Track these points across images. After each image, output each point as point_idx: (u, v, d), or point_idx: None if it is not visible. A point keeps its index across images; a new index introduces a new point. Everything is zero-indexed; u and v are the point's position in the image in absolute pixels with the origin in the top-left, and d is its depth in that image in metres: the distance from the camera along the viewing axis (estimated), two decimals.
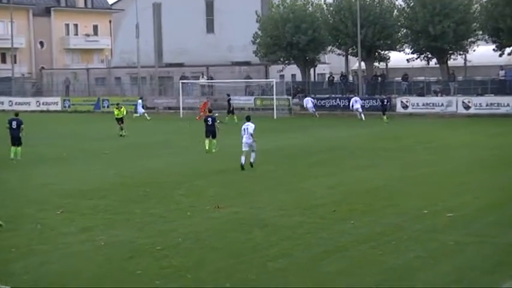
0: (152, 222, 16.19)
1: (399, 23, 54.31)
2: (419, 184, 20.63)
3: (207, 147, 29.23)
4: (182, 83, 56.55)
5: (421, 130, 38.75)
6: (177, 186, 21.07)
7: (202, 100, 53.00)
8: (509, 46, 49.97)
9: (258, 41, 57.29)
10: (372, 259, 12.82)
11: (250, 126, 24.10)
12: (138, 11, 60.96)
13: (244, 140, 24.06)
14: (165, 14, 67.55)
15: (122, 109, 38.57)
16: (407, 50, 54.32)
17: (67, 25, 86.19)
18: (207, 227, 15.57)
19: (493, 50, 51.68)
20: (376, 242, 13.95)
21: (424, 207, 17.05)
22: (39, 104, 63.98)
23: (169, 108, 58.04)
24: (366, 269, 12.25)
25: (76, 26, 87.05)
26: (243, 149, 24.03)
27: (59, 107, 63.07)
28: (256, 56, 58.50)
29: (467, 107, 47.99)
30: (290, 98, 53.95)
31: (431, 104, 49.62)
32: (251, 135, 23.88)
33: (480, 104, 47.82)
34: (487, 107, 47.36)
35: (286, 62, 57.67)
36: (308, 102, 51.18)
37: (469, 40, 52.28)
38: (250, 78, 60.31)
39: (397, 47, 55.28)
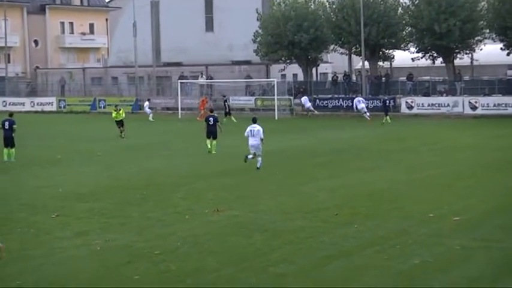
0: (150, 226, 16.18)
1: (404, 21, 54.34)
2: (424, 187, 20.62)
3: (209, 147, 29.30)
4: (181, 82, 56.59)
5: (427, 131, 38.75)
6: (176, 188, 21.06)
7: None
8: None
9: (258, 39, 57.32)
10: (376, 264, 12.80)
11: (258, 130, 24.42)
12: (136, 9, 60.99)
13: (250, 142, 24.48)
14: (163, 12, 67.61)
15: (120, 111, 38.14)
16: (412, 49, 54.33)
17: (62, 23, 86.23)
18: (206, 231, 15.56)
19: (501, 48, 51.71)
20: (381, 246, 13.94)
21: (430, 210, 17.04)
22: (34, 104, 64.02)
23: (168, 108, 58.09)
24: (370, 274, 12.24)
25: (72, 24, 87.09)
26: (251, 151, 24.55)
27: (54, 108, 63.11)
28: (256, 55, 58.52)
29: (473, 108, 47.99)
30: (292, 98, 53.97)
31: (436, 105, 49.63)
32: (261, 139, 24.31)
33: (487, 104, 47.82)
34: (495, 108, 47.36)
35: (288, 61, 57.70)
36: (306, 101, 51.35)
37: (476, 39, 52.28)
38: (251, 78, 60.34)
39: (402, 45, 55.32)
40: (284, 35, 54.97)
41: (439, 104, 49.58)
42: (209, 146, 29.38)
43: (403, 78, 55.93)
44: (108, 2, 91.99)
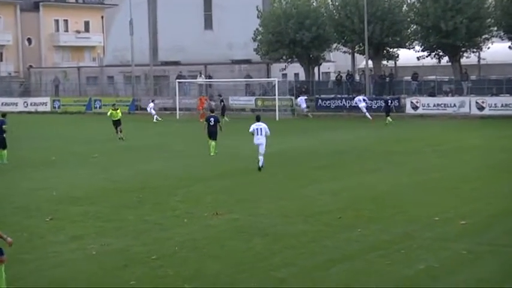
0: (147, 230, 16.19)
1: (409, 19, 54.37)
2: (429, 190, 20.64)
3: (211, 151, 29.43)
4: (179, 82, 56.62)
5: (432, 132, 38.77)
6: (173, 191, 21.08)
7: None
8: None
9: (259, 38, 57.35)
10: (380, 269, 12.82)
11: (264, 127, 25.07)
12: (132, 6, 61.01)
13: (257, 140, 24.99)
14: (161, 9, 67.65)
15: (118, 110, 38.07)
16: (418, 48, 54.35)
17: (56, 21, 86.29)
18: (205, 235, 15.58)
19: (509, 47, 51.75)
20: (385, 250, 13.95)
21: (435, 214, 17.06)
22: (27, 104, 64.08)
23: (165, 109, 58.10)
24: (374, 280, 12.25)
25: (66, 22, 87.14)
26: (260, 151, 24.92)
27: (48, 108, 63.16)
28: (257, 53, 58.55)
29: (480, 108, 48.01)
30: (293, 98, 54.00)
31: (442, 105, 49.66)
32: (266, 136, 24.98)
33: (495, 104, 47.85)
34: (502, 108, 47.38)
35: (289, 60, 57.72)
36: (302, 102, 51.43)
37: (483, 37, 52.31)
38: (251, 78, 60.35)
39: (407, 44, 55.33)
40: (285, 33, 55.00)
41: (445, 105, 49.61)
42: (211, 150, 29.45)
43: (408, 78, 55.97)
44: None
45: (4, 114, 29.50)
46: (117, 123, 37.38)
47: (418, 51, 54.07)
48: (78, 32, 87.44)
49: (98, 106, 60.67)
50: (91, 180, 23.63)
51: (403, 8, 54.67)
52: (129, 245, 14.81)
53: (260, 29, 57.27)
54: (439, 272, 12.59)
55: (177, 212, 18.15)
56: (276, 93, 52.17)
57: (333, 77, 63.46)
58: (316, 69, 60.34)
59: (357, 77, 59.61)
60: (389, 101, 46.70)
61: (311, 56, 57.25)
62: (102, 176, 24.53)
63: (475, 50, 53.44)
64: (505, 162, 26.30)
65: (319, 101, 54.46)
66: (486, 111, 47.64)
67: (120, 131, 37.01)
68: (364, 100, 48.58)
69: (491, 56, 55.38)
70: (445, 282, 12.12)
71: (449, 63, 53.82)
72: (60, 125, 49.40)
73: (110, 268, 13.24)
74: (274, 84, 53.37)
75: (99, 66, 74.95)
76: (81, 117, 56.95)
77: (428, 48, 52.97)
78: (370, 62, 55.27)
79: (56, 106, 63.13)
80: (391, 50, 56.27)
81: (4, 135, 28.05)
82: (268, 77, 59.84)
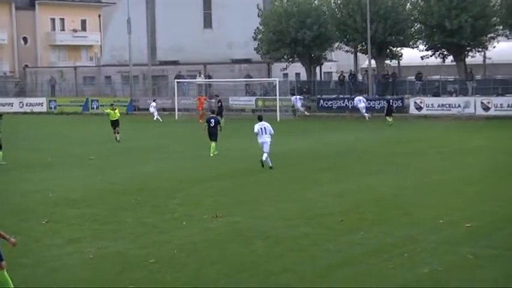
0: (145, 233, 16.19)
1: (412, 18, 54.38)
2: (433, 192, 20.63)
3: (211, 152, 29.52)
4: (177, 82, 56.64)
5: (436, 133, 38.77)
6: (172, 193, 21.08)
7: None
8: None
9: (259, 37, 57.37)
10: (383, 273, 12.81)
11: (268, 126, 25.72)
12: (130, 5, 61.05)
13: (262, 139, 25.49)
14: (159, 7, 67.68)
15: (116, 110, 38.01)
16: (421, 47, 54.33)
17: (53, 19, 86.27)
18: (204, 238, 15.57)
19: None
20: (388, 254, 13.94)
21: (440, 217, 17.05)
22: (23, 105, 64.10)
23: (164, 109, 58.07)
24: (377, 284, 12.24)
25: (63, 20, 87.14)
26: (265, 150, 25.36)
27: (44, 108, 63.19)
28: (257, 53, 58.57)
29: (486, 108, 48.01)
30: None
31: (447, 105, 49.67)
32: (271, 134, 25.57)
33: (500, 104, 47.84)
34: (508, 108, 47.37)
35: (290, 59, 57.73)
36: (297, 101, 51.52)
37: (489, 36, 52.30)
38: (251, 77, 60.36)
39: (410, 43, 55.34)
40: (286, 32, 55.01)
41: (449, 105, 49.61)
42: (211, 152, 29.52)
43: (412, 78, 55.96)
44: None
45: (0, 115, 29.52)
46: (115, 123, 37.32)
47: (422, 51, 54.05)
48: (74, 30, 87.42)
49: (95, 107, 60.70)
50: (88, 182, 23.63)
51: (407, 6, 54.67)
52: (127, 249, 14.81)
53: (261, 27, 57.29)
54: (444, 276, 12.58)
55: (176, 214, 18.15)
56: (277, 94, 52.17)
57: (335, 76, 63.46)
58: (317, 68, 60.34)
59: (360, 77, 59.58)
60: (391, 101, 46.70)
61: (312, 55, 57.25)
62: (99, 178, 24.54)
63: (480, 49, 53.42)
64: (511, 164, 26.28)
65: (321, 101, 54.46)
66: (492, 112, 47.62)
67: (118, 133, 36.91)
68: (363, 100, 48.89)
69: (497, 55, 55.31)
70: (449, 286, 12.10)
71: (454, 63, 53.81)
72: (57, 126, 49.41)
73: (107, 272, 13.23)
74: (275, 85, 53.38)
75: (96, 66, 74.97)
76: (77, 118, 56.95)
77: (433, 47, 52.95)
78: (373, 62, 55.28)
79: (52, 106, 63.16)
80: (395, 49, 56.26)
81: None
82: (269, 77, 59.86)
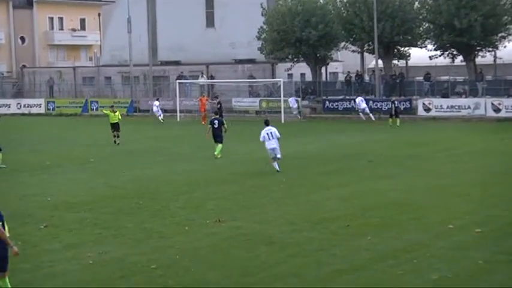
0: (146, 238, 16.20)
1: (421, 16, 54.33)
2: (443, 196, 20.61)
3: (215, 153, 29.58)
4: (179, 83, 56.66)
5: (445, 136, 38.73)
6: (174, 197, 21.09)
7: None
8: None
9: (263, 36, 57.37)
10: (391, 279, 12.80)
11: (274, 131, 25.74)
12: (130, 3, 61.09)
13: (270, 145, 25.48)
14: (160, 6, 67.70)
15: (116, 113, 37.88)
16: (430, 46, 54.28)
17: (51, 18, 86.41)
18: (207, 243, 15.58)
19: None
20: (396, 260, 13.93)
21: (449, 221, 17.03)
22: (21, 106, 64.16)
23: (165, 111, 58.05)
24: None
25: (61, 19, 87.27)
26: (271, 156, 25.52)
27: (42, 110, 63.24)
28: (261, 53, 58.56)
29: (497, 110, 47.93)
30: (299, 99, 53.96)
31: (456, 107, 49.60)
32: (278, 138, 25.63)
33: (511, 106, 47.76)
34: None
35: (295, 59, 57.70)
36: (293, 102, 51.52)
37: (499, 35, 52.23)
38: (255, 78, 60.35)
39: (419, 43, 55.28)
40: (291, 32, 55.01)
41: (459, 106, 49.54)
42: (215, 152, 29.56)
43: (420, 78, 55.89)
44: None
45: None
46: (115, 126, 37.20)
47: (431, 50, 53.99)
48: (73, 30, 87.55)
49: (94, 108, 60.71)
50: (88, 186, 23.66)
51: (415, 5, 54.62)
52: (128, 254, 14.82)
53: (264, 27, 57.29)
54: (454, 282, 12.57)
55: (178, 219, 18.16)
56: (282, 95, 52.14)
57: (341, 77, 63.40)
58: (323, 69, 60.31)
59: (367, 78, 59.54)
60: (396, 102, 46.66)
61: (318, 55, 57.22)
62: (99, 181, 24.56)
63: (490, 48, 53.33)
64: None
65: (327, 102, 54.42)
66: (503, 113, 47.52)
67: (118, 136, 36.79)
68: (364, 101, 49.17)
69: (508, 55, 55.24)
70: None
71: (464, 63, 53.74)
72: (55, 128, 49.44)
73: (107, 278, 13.24)
74: (280, 85, 53.35)
75: (95, 66, 75.01)
76: (77, 120, 56.98)
77: (442, 47, 52.89)
78: (380, 62, 55.24)
79: (51, 108, 63.19)
80: (402, 49, 56.21)
81: None
82: (273, 78, 59.80)
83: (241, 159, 29.61)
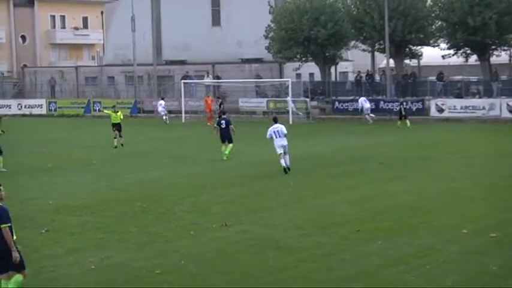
0: (150, 242, 16.22)
1: (433, 14, 54.29)
2: (456, 199, 20.57)
3: (224, 153, 29.66)
4: (184, 83, 56.71)
5: (459, 137, 38.67)
6: (179, 200, 21.11)
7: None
8: None
9: (270, 35, 57.40)
10: (403, 285, 12.78)
11: (282, 128, 26.17)
12: (134, 1, 61.24)
13: (277, 142, 25.84)
14: (165, 4, 67.79)
15: (118, 113, 37.88)
16: (443, 45, 54.26)
17: (53, 17, 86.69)
18: (212, 248, 15.59)
19: None
20: (407, 265, 13.92)
21: (463, 225, 17.00)
22: (21, 106, 64.34)
23: (170, 111, 58.14)
24: None
25: (63, 18, 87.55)
26: (279, 152, 25.80)
27: (43, 111, 63.41)
28: (268, 52, 58.59)
29: None
30: (308, 100, 53.97)
31: (470, 107, 49.52)
32: (285, 135, 25.99)
33: None
34: None
35: (303, 59, 57.73)
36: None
37: None
38: (262, 78, 60.36)
39: (431, 41, 55.26)
40: (299, 30, 55.02)
41: (473, 107, 49.46)
42: (225, 152, 29.62)
43: (433, 78, 55.84)
44: None
45: None
46: (116, 127, 37.18)
47: (444, 49, 53.96)
48: (76, 28, 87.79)
49: (97, 108, 60.80)
50: (90, 188, 23.70)
51: (427, 3, 54.59)
52: (131, 259, 14.83)
53: (272, 25, 57.31)
54: None
55: (183, 222, 18.18)
56: (290, 95, 52.16)
57: (351, 77, 63.35)
58: (332, 68, 60.30)
59: (377, 77, 59.49)
60: (404, 103, 46.59)
61: (327, 54, 57.19)
62: (102, 184, 24.61)
63: (505, 47, 53.27)
64: None
65: (336, 103, 54.39)
66: None
67: (120, 137, 36.76)
68: (367, 101, 49.31)
69: None
70: None
71: (478, 62, 53.67)
72: (57, 129, 49.57)
73: (110, 284, 13.26)
74: (288, 85, 53.35)
75: (98, 66, 75.20)
76: (79, 121, 57.12)
77: (455, 45, 52.81)
78: (391, 61, 55.19)
79: (52, 108, 63.36)
80: (414, 48, 56.19)
81: None
82: (280, 77, 59.82)
83: (248, 161, 29.63)
